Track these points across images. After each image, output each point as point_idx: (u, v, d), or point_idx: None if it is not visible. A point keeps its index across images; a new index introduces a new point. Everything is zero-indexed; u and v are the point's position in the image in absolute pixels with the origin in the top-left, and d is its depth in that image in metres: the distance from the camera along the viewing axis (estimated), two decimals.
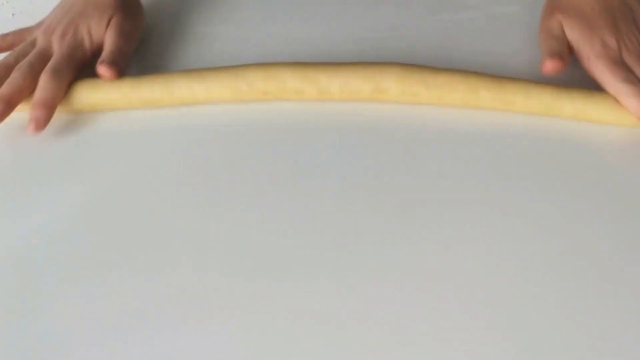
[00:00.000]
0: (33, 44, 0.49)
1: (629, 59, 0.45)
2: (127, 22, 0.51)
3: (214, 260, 0.39)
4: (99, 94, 0.47)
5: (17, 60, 0.48)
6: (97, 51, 0.50)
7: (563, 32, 0.48)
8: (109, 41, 0.49)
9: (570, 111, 0.45)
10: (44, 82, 0.46)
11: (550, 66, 0.45)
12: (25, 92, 0.46)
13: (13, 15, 0.60)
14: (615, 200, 0.41)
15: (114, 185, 0.44)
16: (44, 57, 0.48)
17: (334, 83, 0.46)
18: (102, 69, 0.47)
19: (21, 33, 0.51)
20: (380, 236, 0.40)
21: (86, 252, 0.40)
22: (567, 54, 0.47)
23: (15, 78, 0.46)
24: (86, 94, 0.47)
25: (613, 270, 0.37)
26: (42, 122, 0.45)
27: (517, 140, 0.45)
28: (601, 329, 0.35)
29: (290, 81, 0.46)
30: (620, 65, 0.45)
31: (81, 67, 0.49)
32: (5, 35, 0.51)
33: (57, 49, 0.48)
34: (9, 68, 0.47)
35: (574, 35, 0.47)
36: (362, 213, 0.41)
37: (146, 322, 0.36)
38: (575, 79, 0.47)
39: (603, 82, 0.45)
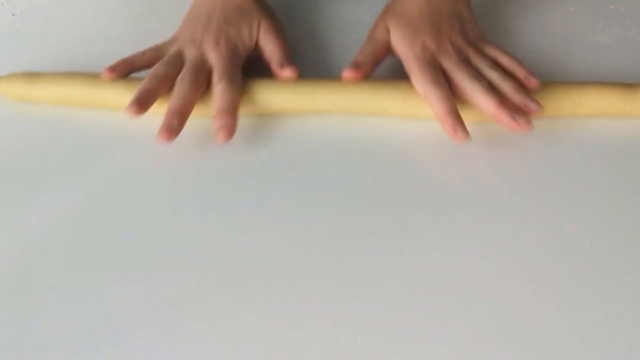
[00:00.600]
0: (180, 55, 0.49)
1: (447, 64, 0.46)
2: (277, 23, 0.52)
3: (213, 264, 0.39)
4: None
5: (167, 71, 0.47)
6: (248, 56, 0.50)
7: (386, 37, 0.49)
8: (274, 44, 0.50)
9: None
10: (222, 90, 0.45)
11: (345, 75, 0.46)
12: (194, 102, 0.46)
13: (13, 15, 0.60)
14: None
15: (112, 187, 0.44)
16: (202, 67, 0.47)
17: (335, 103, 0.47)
18: (286, 72, 0.47)
19: (159, 49, 0.50)
20: (380, 243, 0.40)
21: (86, 255, 0.40)
22: (374, 59, 0.48)
23: (182, 90, 0.45)
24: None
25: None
26: (231, 130, 0.44)
27: (517, 144, 0.45)
28: (604, 331, 0.35)
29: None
30: (431, 68, 0.45)
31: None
32: (144, 52, 0.49)
33: (217, 57, 0.48)
34: (160, 79, 0.46)
35: (398, 38, 0.48)
36: (361, 221, 0.41)
37: (146, 323, 0.36)
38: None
39: (414, 83, 0.45)
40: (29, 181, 0.44)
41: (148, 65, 0.49)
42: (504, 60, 0.47)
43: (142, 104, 0.44)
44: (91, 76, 0.48)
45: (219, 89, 0.46)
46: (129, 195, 0.43)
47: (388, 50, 0.49)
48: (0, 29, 0.58)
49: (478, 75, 0.45)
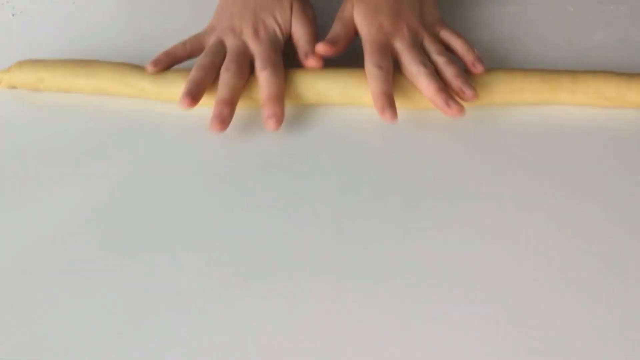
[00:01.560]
0: (221, 44, 0.49)
1: (400, 46, 0.48)
2: (308, 7, 0.53)
3: (216, 259, 0.39)
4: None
5: (213, 61, 0.47)
6: (287, 41, 0.51)
7: (351, 17, 0.50)
8: (303, 31, 0.50)
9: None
10: (267, 78, 0.46)
11: (320, 49, 0.48)
12: (240, 90, 0.46)
13: (13, 15, 0.60)
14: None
15: (117, 181, 0.44)
16: (245, 55, 0.48)
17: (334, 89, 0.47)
18: (310, 61, 0.48)
19: (198, 39, 0.50)
20: (381, 236, 0.40)
21: (87, 251, 0.40)
22: (346, 37, 0.49)
23: (228, 80, 0.46)
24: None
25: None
26: (280, 118, 0.45)
27: (517, 135, 0.46)
28: (607, 329, 0.35)
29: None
30: (380, 51, 0.47)
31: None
32: (185, 43, 0.50)
33: (258, 45, 0.49)
34: (207, 69, 0.47)
35: (359, 17, 0.50)
36: (362, 213, 0.41)
37: (147, 322, 0.36)
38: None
39: (364, 63, 0.47)
40: (37, 175, 0.44)
41: (190, 56, 0.50)
42: (457, 44, 0.49)
43: (194, 95, 0.45)
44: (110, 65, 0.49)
45: (264, 76, 0.46)
46: (142, 189, 0.43)
47: (355, 31, 0.50)
48: (0, 29, 0.58)
49: (425, 60, 0.47)
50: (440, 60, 0.47)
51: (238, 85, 0.46)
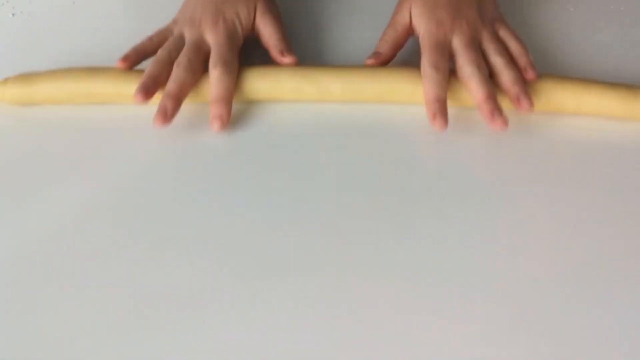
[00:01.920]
0: (181, 38, 0.49)
1: (458, 43, 0.47)
2: (273, 6, 0.52)
3: (215, 260, 0.39)
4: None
5: (170, 55, 0.47)
6: (246, 38, 0.50)
7: (407, 20, 0.49)
8: (272, 29, 0.50)
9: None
10: (218, 77, 0.46)
11: (368, 63, 0.48)
12: (190, 86, 0.46)
13: (13, 15, 0.59)
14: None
15: (115, 182, 0.44)
16: (199, 49, 0.48)
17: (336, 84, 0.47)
18: (286, 59, 0.48)
19: (163, 33, 0.50)
20: (379, 236, 0.40)
21: (87, 251, 0.40)
22: (395, 44, 0.49)
23: (179, 74, 0.46)
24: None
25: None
26: (226, 119, 0.45)
27: (518, 138, 0.45)
28: (608, 331, 0.35)
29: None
30: (438, 50, 0.46)
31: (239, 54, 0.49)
32: (151, 37, 0.50)
33: (215, 40, 0.48)
34: (163, 63, 0.46)
35: (416, 13, 0.49)
36: (360, 213, 0.41)
37: (147, 322, 0.36)
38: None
39: (421, 61, 0.46)
40: (29, 181, 0.44)
41: (157, 49, 0.49)
42: (512, 45, 0.48)
43: (147, 90, 0.45)
44: (89, 70, 0.48)
45: (214, 76, 0.46)
46: (132, 190, 0.43)
47: (408, 34, 0.50)
48: (0, 29, 0.58)
49: (481, 63, 0.46)
50: (499, 62, 0.46)
51: (187, 80, 0.46)
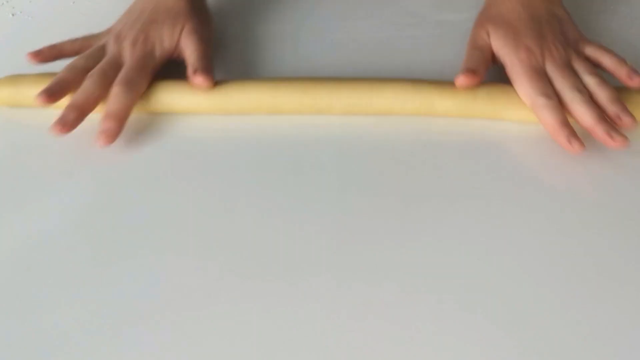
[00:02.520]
0: (103, 49, 0.49)
1: (551, 68, 0.46)
2: (203, 27, 0.51)
3: (215, 262, 0.39)
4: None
5: (86, 64, 0.47)
6: (166, 58, 0.49)
7: (488, 42, 0.48)
8: (193, 48, 0.49)
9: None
10: (116, 94, 0.45)
11: (462, 81, 0.45)
12: (97, 100, 0.46)
13: (13, 15, 0.60)
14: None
15: (115, 189, 0.44)
16: (116, 65, 0.47)
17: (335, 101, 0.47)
18: (198, 79, 0.46)
19: (89, 39, 0.50)
20: (379, 236, 0.40)
21: (88, 253, 0.40)
22: (485, 66, 0.47)
23: (88, 86, 0.45)
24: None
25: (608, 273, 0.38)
26: (113, 135, 0.44)
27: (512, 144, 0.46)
28: (600, 331, 0.35)
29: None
30: (540, 78, 0.45)
31: (152, 75, 0.48)
32: (75, 40, 0.50)
33: (129, 58, 0.48)
34: (77, 71, 0.46)
35: (499, 42, 0.47)
36: (360, 213, 0.41)
37: (147, 322, 0.36)
38: None
39: (520, 92, 0.45)
40: (22, 185, 0.44)
41: (76, 53, 0.49)
42: (606, 60, 0.46)
43: (52, 94, 0.44)
44: None
45: (113, 92, 0.45)
46: (124, 195, 0.43)
47: (494, 56, 0.48)
48: (0, 29, 0.58)
49: (580, 85, 0.44)
50: (592, 82, 0.45)
51: (96, 93, 0.45)
